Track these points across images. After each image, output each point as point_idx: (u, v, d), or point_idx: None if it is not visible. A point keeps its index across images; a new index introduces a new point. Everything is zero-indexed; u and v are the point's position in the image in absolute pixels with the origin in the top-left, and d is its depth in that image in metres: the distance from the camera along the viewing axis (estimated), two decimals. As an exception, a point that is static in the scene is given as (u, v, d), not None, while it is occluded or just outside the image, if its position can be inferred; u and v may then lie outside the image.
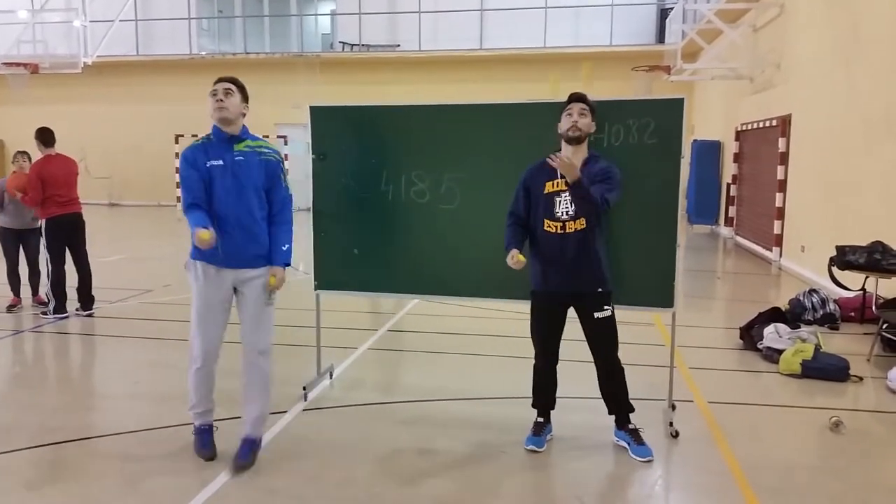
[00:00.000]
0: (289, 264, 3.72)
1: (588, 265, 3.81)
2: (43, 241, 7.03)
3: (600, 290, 3.85)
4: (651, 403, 4.58)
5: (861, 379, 5.24)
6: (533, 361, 4.07)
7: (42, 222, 6.98)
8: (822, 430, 4.32)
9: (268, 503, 3.38)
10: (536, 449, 3.94)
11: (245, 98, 3.66)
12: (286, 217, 3.76)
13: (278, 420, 4.33)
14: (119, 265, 10.55)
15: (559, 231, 3.79)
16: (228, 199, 3.56)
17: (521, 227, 3.94)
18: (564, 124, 3.78)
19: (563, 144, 3.83)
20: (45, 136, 7.08)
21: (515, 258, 3.75)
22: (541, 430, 4.04)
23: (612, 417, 4.04)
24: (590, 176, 3.74)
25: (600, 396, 4.03)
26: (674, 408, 4.43)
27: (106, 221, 17.52)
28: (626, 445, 3.94)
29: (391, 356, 5.90)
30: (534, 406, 4.12)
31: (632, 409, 4.01)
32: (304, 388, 4.75)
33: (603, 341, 3.91)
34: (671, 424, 4.21)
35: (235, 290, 3.70)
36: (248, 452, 3.69)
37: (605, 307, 3.86)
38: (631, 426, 3.98)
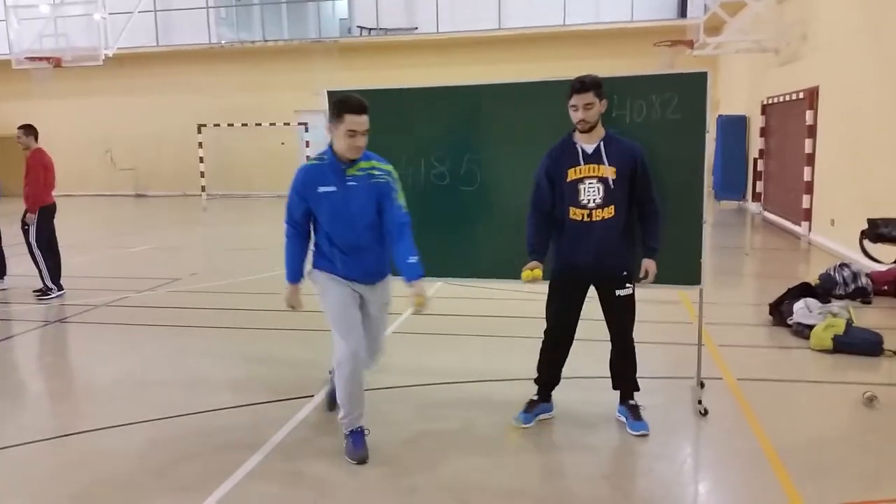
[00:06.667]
0: (422, 275, 3.59)
1: (614, 252, 3.78)
2: (33, 231, 7.45)
3: (625, 272, 3.84)
4: (679, 382, 4.54)
5: (895, 353, 5.14)
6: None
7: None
8: (856, 406, 4.24)
9: (295, 485, 3.41)
10: (524, 425, 3.96)
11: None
12: (404, 234, 3.63)
13: (305, 404, 4.38)
14: (146, 255, 10.69)
15: (585, 219, 3.75)
16: (340, 223, 3.58)
17: (546, 222, 3.85)
18: (573, 118, 3.73)
19: (577, 132, 3.79)
20: (36, 132, 7.63)
21: (532, 273, 3.70)
22: (532, 407, 4.04)
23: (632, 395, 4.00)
24: (617, 158, 3.72)
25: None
26: (702, 385, 4.39)
27: (132, 212, 17.72)
28: (624, 420, 3.95)
29: (416, 339, 5.91)
30: (536, 382, 4.10)
31: (637, 389, 4.00)
32: (330, 373, 4.75)
33: (621, 318, 3.90)
34: (700, 402, 4.17)
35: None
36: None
37: (628, 285, 3.85)
38: (632, 402, 3.97)
